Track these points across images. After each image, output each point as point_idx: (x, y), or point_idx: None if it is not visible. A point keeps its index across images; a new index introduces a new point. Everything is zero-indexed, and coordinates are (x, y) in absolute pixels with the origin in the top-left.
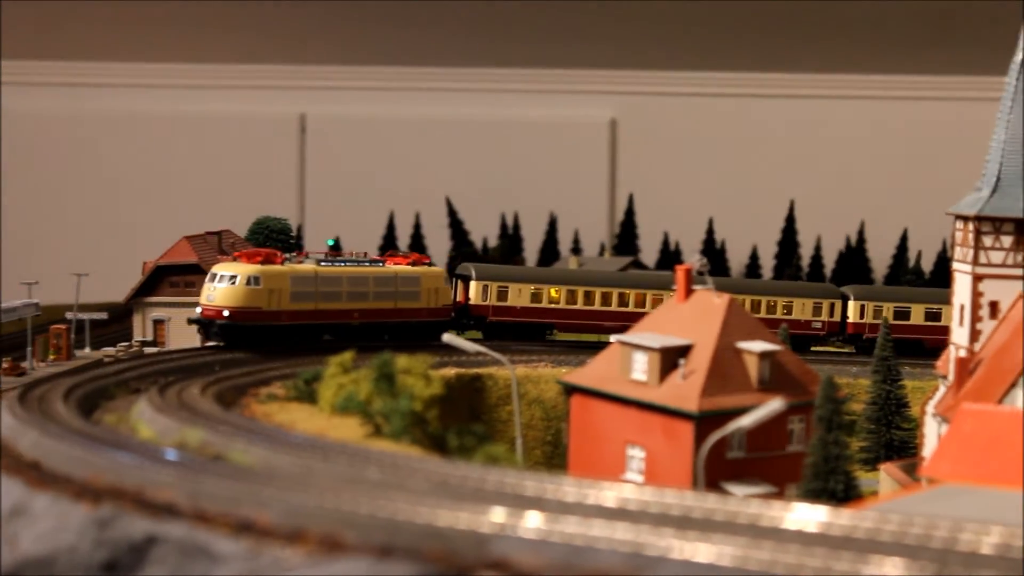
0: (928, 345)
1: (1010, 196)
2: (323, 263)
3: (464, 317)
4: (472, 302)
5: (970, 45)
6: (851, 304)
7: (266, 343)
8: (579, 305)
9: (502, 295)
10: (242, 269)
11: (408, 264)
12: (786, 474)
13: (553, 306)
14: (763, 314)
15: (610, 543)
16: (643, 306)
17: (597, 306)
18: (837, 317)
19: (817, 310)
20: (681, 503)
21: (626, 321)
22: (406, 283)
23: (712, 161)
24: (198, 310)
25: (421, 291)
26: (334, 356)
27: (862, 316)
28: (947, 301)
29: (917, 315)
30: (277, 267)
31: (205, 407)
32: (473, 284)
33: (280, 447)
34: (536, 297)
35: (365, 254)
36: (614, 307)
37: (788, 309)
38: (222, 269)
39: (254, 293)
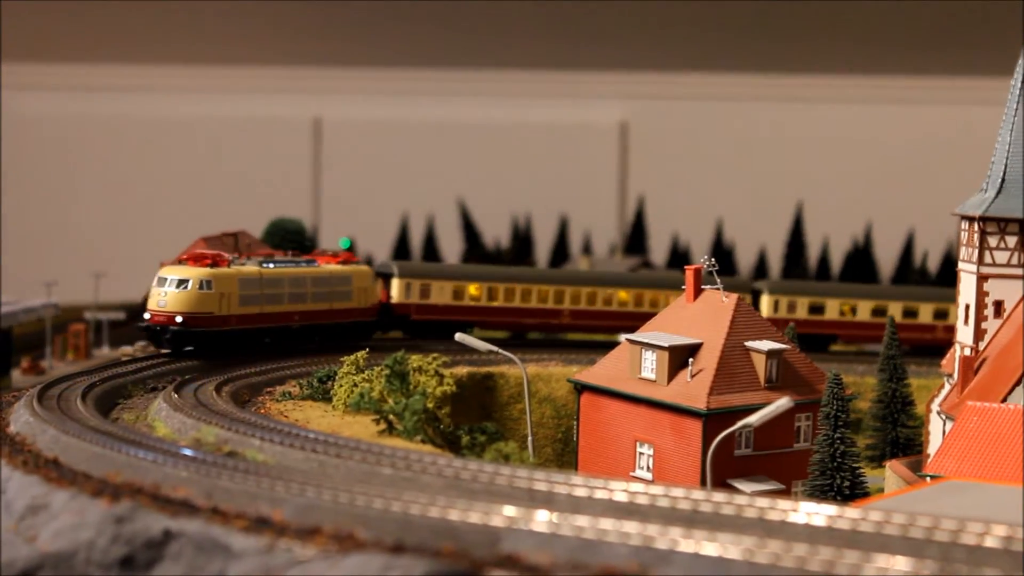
0: (842, 340)
1: (1015, 197)
2: (265, 264)
3: (386, 316)
4: (394, 301)
5: (975, 48)
6: (764, 298)
7: (216, 349)
8: (500, 302)
9: (425, 293)
10: (194, 273)
11: (339, 263)
12: (793, 471)
13: (474, 304)
14: (634, 307)
15: (620, 539)
16: (564, 303)
17: (517, 303)
18: None
19: None
20: (689, 499)
21: (547, 318)
22: (340, 283)
23: (721, 163)
24: (147, 316)
25: (353, 290)
26: (347, 355)
27: (776, 311)
28: (864, 296)
29: (832, 310)
30: (227, 270)
31: (221, 405)
32: (395, 282)
33: (295, 444)
34: (458, 295)
35: (297, 253)
36: (534, 304)
37: None
38: (171, 273)
39: (206, 297)
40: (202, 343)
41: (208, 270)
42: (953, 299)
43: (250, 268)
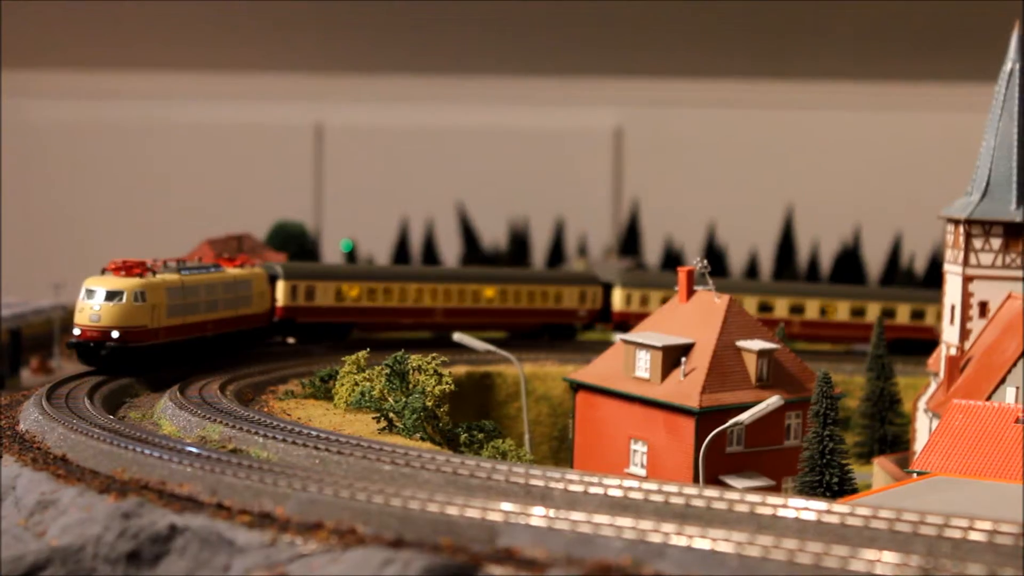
0: None
1: (999, 200)
2: (184, 272)
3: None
4: (280, 304)
5: (961, 55)
6: (616, 292)
7: (148, 365)
8: (379, 303)
9: (310, 295)
10: (127, 284)
11: (238, 267)
12: (783, 468)
13: (354, 305)
14: (526, 304)
15: (614, 533)
16: (437, 301)
17: (395, 303)
18: (600, 305)
19: (582, 298)
20: (682, 495)
21: (421, 317)
22: (244, 288)
23: (714, 167)
24: (76, 332)
25: (253, 295)
26: (349, 355)
27: (628, 304)
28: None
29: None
30: (156, 279)
31: (225, 403)
32: (281, 284)
33: (297, 442)
34: (340, 296)
35: (200, 259)
36: (410, 303)
37: (558, 298)
38: (101, 284)
39: (141, 310)
40: (137, 359)
41: (141, 280)
42: (830, 294)
43: (172, 276)
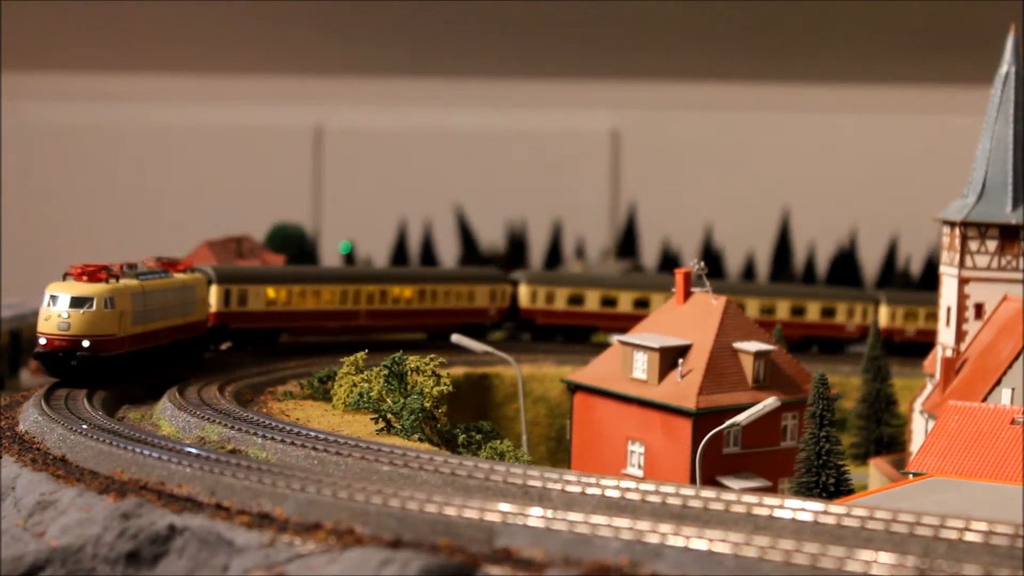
0: (603, 331)
1: (995, 202)
2: (141, 277)
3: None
4: (213, 309)
5: (956, 58)
6: (522, 289)
7: (114, 376)
8: (306, 306)
9: (243, 300)
10: (96, 289)
11: (181, 271)
12: (780, 469)
13: (283, 309)
14: (442, 304)
15: (611, 534)
16: (360, 303)
17: (323, 305)
18: (508, 303)
19: (492, 296)
20: (679, 496)
21: (345, 320)
22: (190, 294)
23: (710, 170)
24: (42, 341)
25: (197, 301)
26: (347, 356)
27: (534, 301)
28: (626, 287)
29: (592, 301)
30: (121, 284)
31: (224, 404)
32: (214, 288)
33: (296, 442)
34: (271, 300)
35: (143, 262)
36: (336, 305)
37: (471, 297)
38: (68, 290)
39: (110, 317)
40: (105, 370)
41: (110, 285)
42: (742, 291)
43: (133, 282)
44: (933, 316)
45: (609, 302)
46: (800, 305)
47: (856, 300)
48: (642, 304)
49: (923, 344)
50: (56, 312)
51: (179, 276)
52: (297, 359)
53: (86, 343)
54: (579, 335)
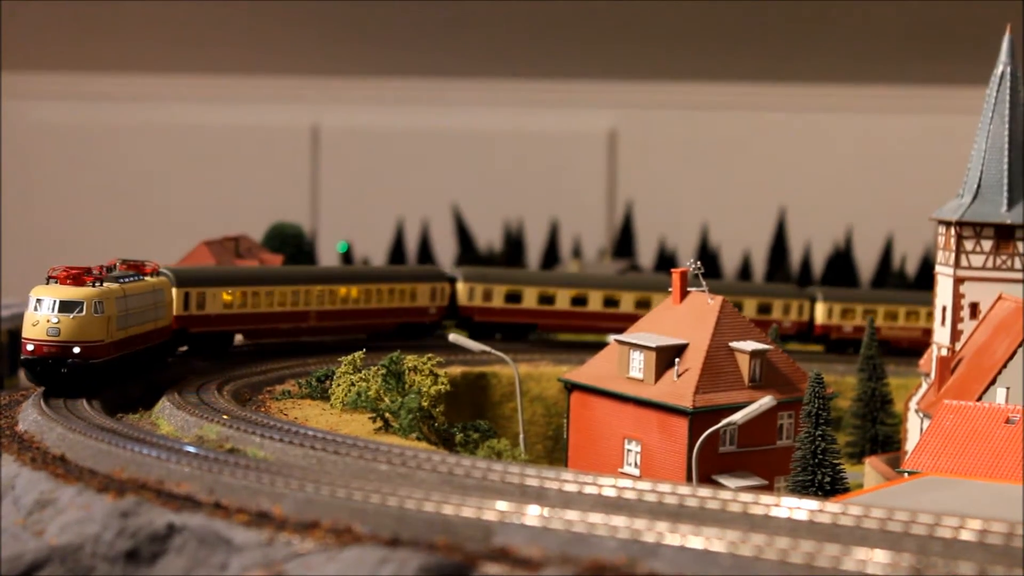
0: (541, 329)
1: (990, 202)
2: (121, 280)
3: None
4: (174, 312)
5: (952, 59)
6: (460, 287)
7: (100, 385)
8: (261, 308)
9: (201, 303)
10: (85, 293)
11: (149, 274)
12: (776, 467)
13: (240, 312)
14: (385, 303)
15: (608, 532)
16: (315, 304)
17: (275, 307)
18: (447, 301)
19: (433, 295)
20: (676, 495)
21: (297, 321)
22: (160, 297)
23: (707, 170)
24: (30, 348)
25: (165, 305)
26: (345, 355)
27: (471, 299)
28: (562, 284)
29: (530, 299)
30: (106, 288)
31: (223, 403)
32: (174, 292)
33: (294, 441)
34: (227, 303)
35: (114, 265)
36: (288, 307)
37: (413, 295)
38: (56, 294)
39: (99, 322)
40: (94, 378)
41: (98, 289)
42: (655, 287)
43: (115, 285)
44: (871, 313)
45: (547, 299)
46: (737, 301)
47: (792, 297)
48: (579, 302)
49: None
50: (46, 317)
51: (150, 279)
52: (295, 359)
53: (76, 349)
54: (517, 332)
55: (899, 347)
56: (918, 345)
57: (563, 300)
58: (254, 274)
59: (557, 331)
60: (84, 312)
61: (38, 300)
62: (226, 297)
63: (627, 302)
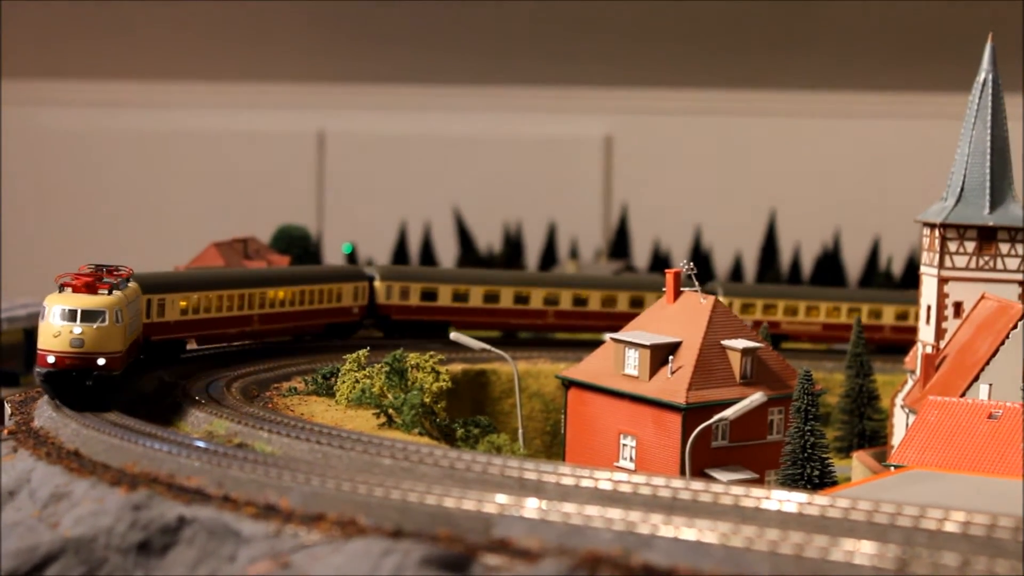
0: (455, 326)
1: (973, 205)
2: (121, 286)
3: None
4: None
5: (936, 66)
6: (377, 285)
7: (113, 398)
8: (212, 314)
9: (161, 310)
10: (106, 302)
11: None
12: (766, 461)
13: (193, 318)
14: (316, 304)
15: (604, 524)
16: (258, 307)
17: (224, 312)
18: (366, 300)
19: (355, 294)
20: (669, 488)
21: (243, 327)
22: (140, 304)
23: (700, 173)
24: (50, 360)
25: (142, 312)
26: (350, 353)
27: (389, 297)
28: (477, 282)
29: (445, 296)
30: (120, 295)
31: (231, 400)
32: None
33: (300, 437)
34: (183, 309)
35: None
36: (235, 311)
37: (339, 296)
38: (75, 302)
39: (119, 331)
40: (115, 390)
41: (116, 297)
42: (560, 284)
43: (120, 293)
44: (771, 308)
45: (461, 297)
46: (612, 296)
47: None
48: (491, 299)
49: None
50: (68, 327)
51: (133, 286)
52: (301, 357)
53: (101, 360)
54: (433, 330)
55: (799, 339)
56: (817, 339)
57: (476, 298)
58: (205, 279)
59: (471, 328)
60: (107, 321)
61: (61, 309)
62: (182, 303)
63: (536, 298)
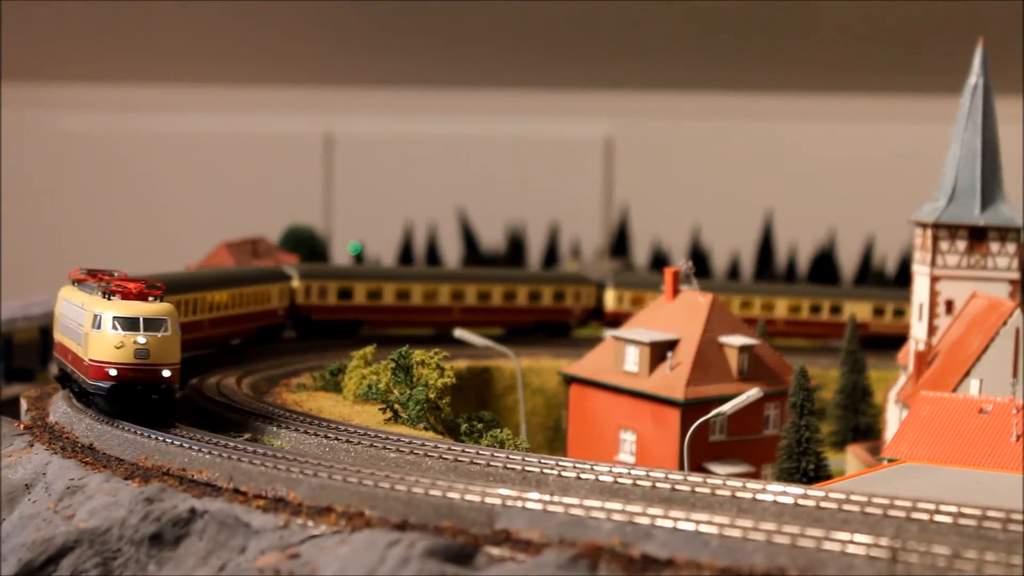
0: (370, 325)
1: (964, 205)
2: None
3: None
4: None
5: (928, 70)
6: (295, 283)
7: (176, 413)
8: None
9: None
10: (165, 309)
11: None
12: (762, 455)
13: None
14: (249, 307)
15: (604, 516)
16: (207, 312)
17: (181, 318)
18: (288, 301)
19: (281, 295)
20: (668, 481)
21: (196, 332)
22: None
23: (698, 175)
24: (112, 372)
25: None
26: (356, 350)
27: (307, 297)
28: (389, 279)
29: (360, 295)
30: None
31: (241, 395)
32: None
33: (309, 431)
34: None
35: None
36: (189, 317)
37: (268, 298)
38: (135, 311)
39: (176, 341)
40: (175, 405)
41: (171, 304)
42: (466, 280)
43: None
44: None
45: (375, 295)
46: (535, 290)
47: (582, 284)
48: (403, 296)
49: None
50: (131, 336)
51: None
52: (309, 354)
53: (166, 372)
54: (347, 330)
55: None
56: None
57: (389, 295)
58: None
59: (385, 326)
60: (169, 330)
61: (123, 318)
62: None
63: (443, 295)
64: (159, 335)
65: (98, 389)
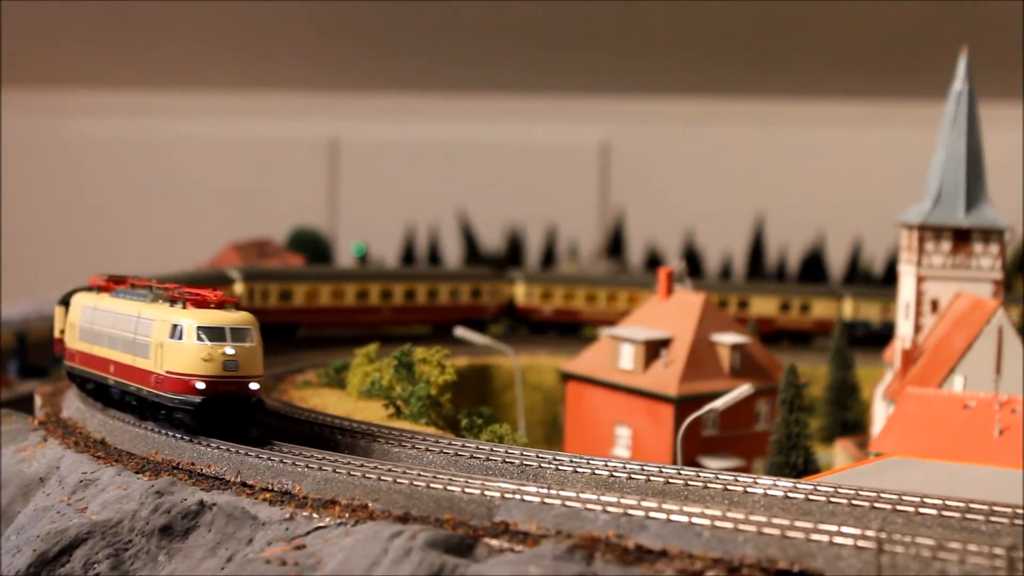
0: (305, 326)
1: (949, 208)
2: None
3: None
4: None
5: (913, 75)
6: (237, 286)
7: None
8: None
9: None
10: (248, 319)
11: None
12: (754, 449)
13: None
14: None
15: (600, 508)
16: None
17: None
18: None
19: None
20: (662, 474)
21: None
22: None
23: (692, 178)
24: (200, 385)
25: None
26: (360, 347)
27: (251, 299)
28: (325, 279)
29: (299, 297)
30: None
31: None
32: (58, 311)
33: (313, 426)
34: None
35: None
36: None
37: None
38: (220, 320)
39: (260, 351)
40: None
41: (250, 313)
42: (394, 278)
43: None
44: (571, 296)
45: (312, 296)
46: (455, 288)
47: (497, 280)
48: (338, 296)
49: (564, 324)
50: (220, 348)
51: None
52: (314, 351)
53: (254, 385)
54: (285, 332)
55: (596, 325)
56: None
57: (325, 296)
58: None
59: (321, 327)
60: (255, 341)
61: (202, 327)
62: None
63: (374, 294)
64: (246, 345)
65: (184, 404)
